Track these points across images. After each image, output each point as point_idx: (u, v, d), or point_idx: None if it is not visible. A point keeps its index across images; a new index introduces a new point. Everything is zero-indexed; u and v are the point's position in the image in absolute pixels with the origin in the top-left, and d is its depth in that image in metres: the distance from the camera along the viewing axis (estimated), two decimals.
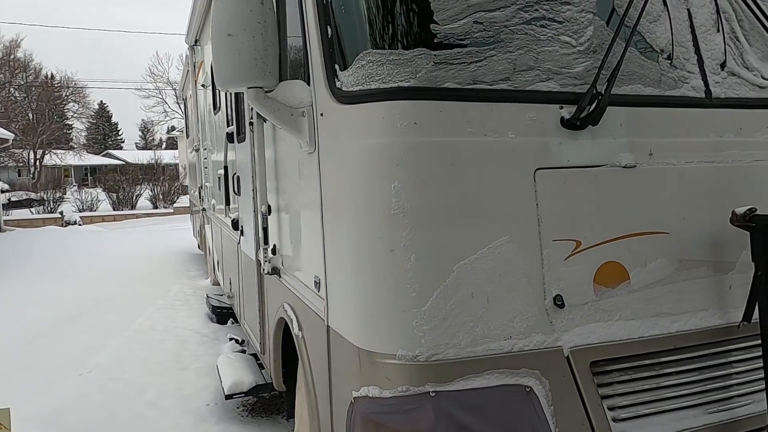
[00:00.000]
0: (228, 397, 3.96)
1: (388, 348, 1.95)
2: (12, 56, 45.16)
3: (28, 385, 4.71)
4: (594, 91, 2.08)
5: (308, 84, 2.31)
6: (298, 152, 2.52)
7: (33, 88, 46.22)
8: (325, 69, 2.14)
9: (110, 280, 9.25)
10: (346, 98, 2.05)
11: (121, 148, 68.62)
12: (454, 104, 1.97)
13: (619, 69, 2.12)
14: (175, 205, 25.54)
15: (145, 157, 37.97)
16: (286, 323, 3.02)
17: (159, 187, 27.49)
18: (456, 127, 1.96)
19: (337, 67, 2.11)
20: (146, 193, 27.33)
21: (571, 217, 2.08)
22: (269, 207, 3.27)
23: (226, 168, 5.12)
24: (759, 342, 2.21)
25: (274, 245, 3.30)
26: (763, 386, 2.20)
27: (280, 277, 3.21)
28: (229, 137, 4.54)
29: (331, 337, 2.29)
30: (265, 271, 3.24)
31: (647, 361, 2.16)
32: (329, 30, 2.14)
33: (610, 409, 2.11)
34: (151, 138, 72.90)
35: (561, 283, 2.05)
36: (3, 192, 29.75)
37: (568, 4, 2.18)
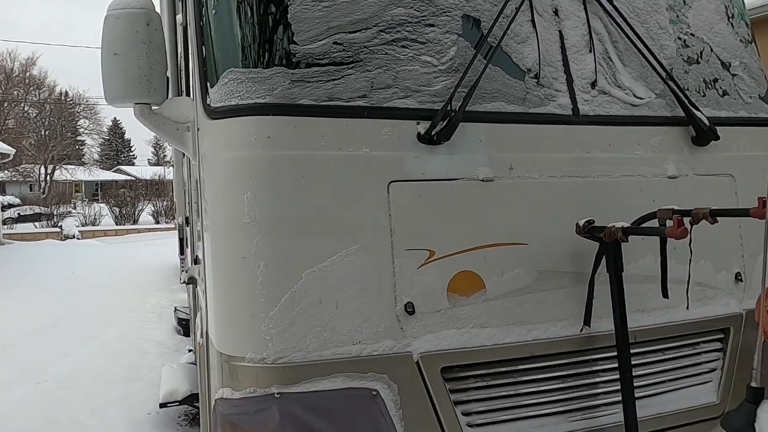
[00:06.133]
0: (162, 405, 4.04)
1: (239, 351, 2.04)
2: (27, 74, 46.23)
3: None
4: (448, 108, 2.18)
5: (194, 100, 2.44)
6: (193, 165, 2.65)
7: (46, 105, 47.19)
8: (200, 86, 2.27)
9: (92, 293, 9.41)
10: (213, 113, 2.17)
11: (133, 164, 69.49)
12: (308, 120, 2.08)
13: (476, 87, 2.22)
14: (175, 220, 25.88)
15: (153, 172, 38.53)
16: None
17: (161, 203, 27.83)
18: (309, 141, 2.07)
19: (208, 84, 2.23)
20: (149, 208, 27.69)
21: (426, 227, 2.16)
22: (186, 218, 3.39)
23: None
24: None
25: (197, 256, 3.41)
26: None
27: (196, 287, 3.31)
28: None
29: (208, 342, 2.38)
30: (182, 281, 3.35)
31: (504, 368, 2.23)
32: (203, 50, 2.27)
33: (465, 414, 2.18)
34: (163, 154, 73.90)
35: (413, 290, 2.13)
36: (12, 206, 30.30)
37: (432, 26, 2.29)
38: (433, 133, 2.15)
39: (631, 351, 2.26)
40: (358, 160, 2.11)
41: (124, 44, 2.35)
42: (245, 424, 2.03)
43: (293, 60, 2.11)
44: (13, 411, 4.47)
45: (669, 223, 2.19)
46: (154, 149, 74.31)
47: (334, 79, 2.13)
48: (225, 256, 2.09)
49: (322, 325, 2.03)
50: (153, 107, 2.44)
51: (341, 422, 2.01)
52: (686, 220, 2.00)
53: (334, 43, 2.16)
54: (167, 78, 2.49)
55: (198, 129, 2.33)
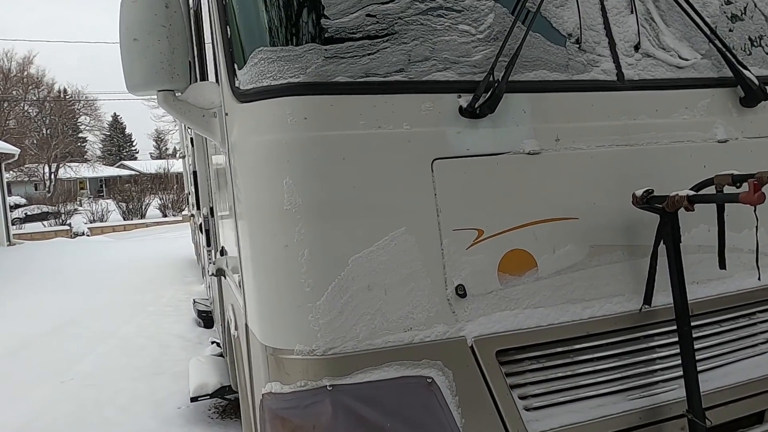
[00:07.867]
0: (193, 399, 3.99)
1: (287, 343, 1.96)
2: (25, 73, 45.91)
3: (7, 394, 4.79)
4: (491, 79, 2.06)
5: (219, 85, 2.33)
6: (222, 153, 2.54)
7: (46, 104, 46.93)
8: (226, 69, 2.15)
9: (107, 289, 9.37)
10: (243, 96, 2.06)
11: (135, 159, 69.23)
12: (345, 98, 1.97)
13: (518, 56, 2.10)
14: (183, 213, 25.82)
15: (158, 166, 38.42)
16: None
17: (168, 196, 27.79)
18: (348, 120, 1.96)
19: (236, 66, 2.12)
20: (155, 202, 27.67)
21: (473, 206, 2.06)
22: (211, 209, 3.29)
23: (195, 173, 5.16)
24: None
25: (222, 247, 3.32)
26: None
27: (225, 278, 3.23)
28: (191, 140, 4.59)
29: (249, 335, 2.30)
30: (210, 273, 3.27)
31: (560, 349, 2.14)
32: (228, 30, 2.16)
33: (522, 398, 2.09)
34: (165, 147, 73.62)
35: (463, 272, 2.03)
36: (19, 207, 30.35)
37: None
38: (476, 105, 2.04)
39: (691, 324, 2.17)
40: (400, 137, 2.00)
41: (143, 29, 2.23)
42: (296, 418, 1.95)
43: (325, 35, 1.99)
44: (40, 410, 4.43)
45: (727, 189, 2.08)
46: (156, 143, 74.02)
47: (369, 54, 2.02)
48: (265, 246, 2.00)
49: (371, 312, 1.94)
50: (177, 94, 2.33)
51: (397, 412, 1.92)
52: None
53: (367, 15, 2.04)
54: (189, 63, 2.37)
55: (226, 114, 2.22)
